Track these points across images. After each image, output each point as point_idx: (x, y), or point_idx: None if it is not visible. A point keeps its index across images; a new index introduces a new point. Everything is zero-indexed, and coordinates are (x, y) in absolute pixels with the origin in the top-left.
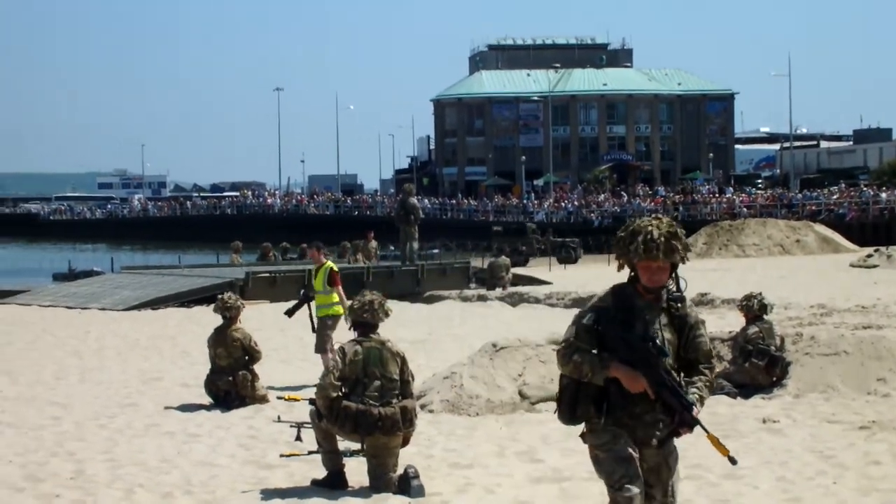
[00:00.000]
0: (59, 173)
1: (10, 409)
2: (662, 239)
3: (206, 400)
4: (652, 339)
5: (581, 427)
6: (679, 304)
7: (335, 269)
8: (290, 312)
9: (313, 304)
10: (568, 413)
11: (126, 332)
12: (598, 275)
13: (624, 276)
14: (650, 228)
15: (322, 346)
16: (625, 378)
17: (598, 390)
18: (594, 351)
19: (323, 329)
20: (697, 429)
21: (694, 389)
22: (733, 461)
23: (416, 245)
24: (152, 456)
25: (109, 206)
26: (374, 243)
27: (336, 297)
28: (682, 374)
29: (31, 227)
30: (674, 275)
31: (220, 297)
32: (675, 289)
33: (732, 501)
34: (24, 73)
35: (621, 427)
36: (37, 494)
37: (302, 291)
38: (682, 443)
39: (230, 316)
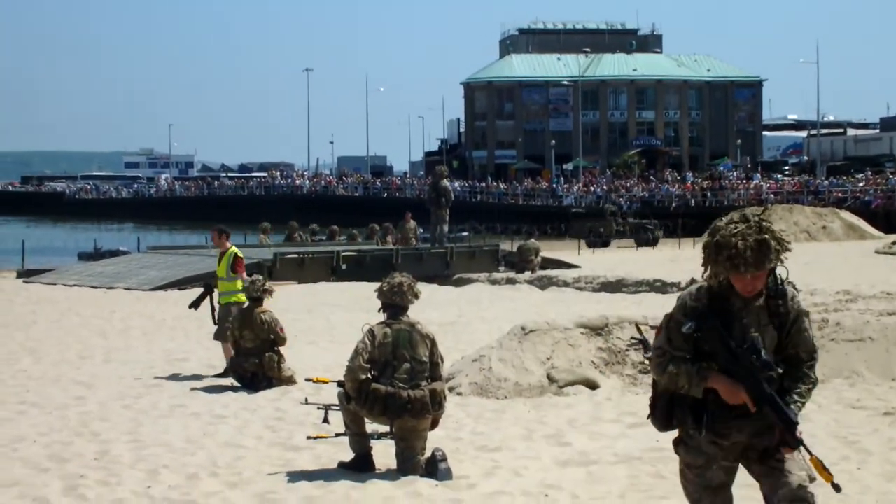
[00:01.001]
0: (85, 152)
1: (34, 388)
2: (749, 252)
3: (233, 381)
4: (757, 352)
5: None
6: (780, 301)
7: (239, 255)
8: (194, 305)
9: (216, 292)
10: (663, 421)
11: (152, 313)
12: (626, 259)
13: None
14: (735, 241)
15: (223, 334)
16: (724, 390)
17: (695, 399)
18: (688, 357)
19: (226, 316)
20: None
21: (796, 399)
22: (837, 489)
23: (445, 228)
24: (177, 437)
25: (136, 186)
26: (412, 223)
27: (240, 285)
28: (783, 374)
29: (57, 206)
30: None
31: (249, 279)
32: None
33: (757, 486)
34: (51, 54)
35: (721, 438)
36: (62, 475)
37: (205, 282)
38: None
39: (258, 297)
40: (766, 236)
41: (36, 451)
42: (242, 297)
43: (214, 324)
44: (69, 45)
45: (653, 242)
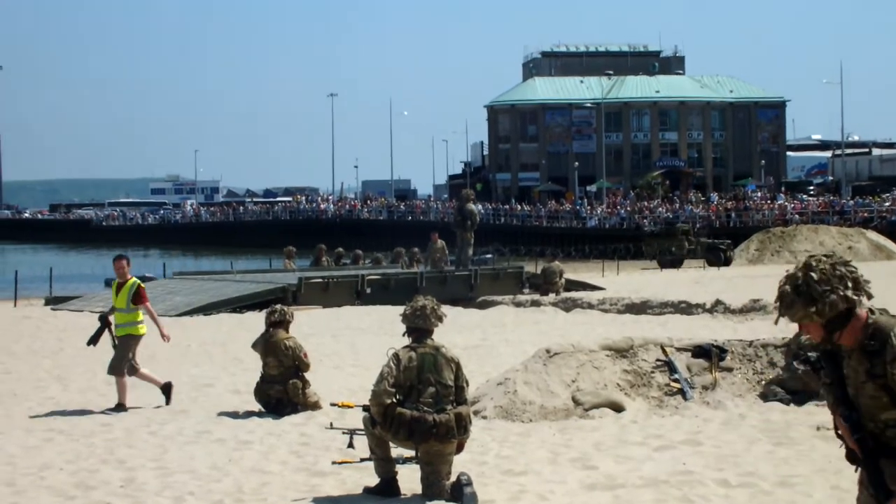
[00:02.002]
0: (112, 179)
1: (61, 416)
2: (779, 297)
3: (258, 407)
4: (846, 411)
5: None
6: (872, 342)
7: (142, 285)
8: (92, 341)
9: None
10: None
11: (177, 339)
12: (651, 280)
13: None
14: (782, 284)
15: (119, 368)
16: (842, 428)
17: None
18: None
19: (123, 349)
20: None
21: None
22: None
23: (470, 251)
24: (203, 463)
25: (162, 212)
26: (440, 243)
27: (140, 316)
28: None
29: (85, 233)
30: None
31: (270, 307)
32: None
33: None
34: (79, 81)
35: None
36: (88, 502)
37: (100, 315)
38: (735, 447)
39: (279, 321)
40: (809, 280)
41: (63, 479)
42: (142, 329)
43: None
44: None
45: (725, 262)
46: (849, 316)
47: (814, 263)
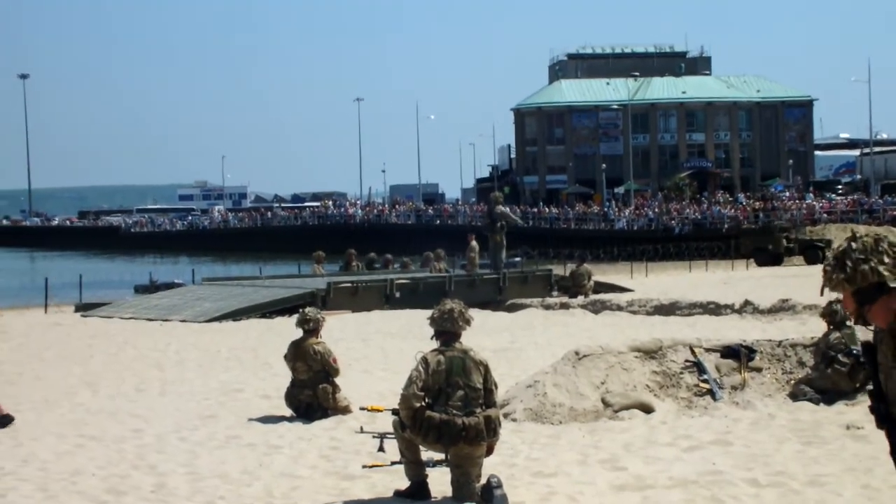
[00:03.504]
0: (140, 185)
1: (92, 421)
2: (824, 266)
3: (288, 411)
4: (877, 398)
5: None
6: None
7: None
8: None
9: None
10: None
11: (207, 344)
12: (680, 281)
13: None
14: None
15: None
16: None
17: None
18: None
19: None
20: None
21: None
22: None
23: (503, 254)
24: (233, 468)
25: (190, 218)
26: (474, 243)
27: None
28: None
29: (113, 240)
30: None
31: (301, 311)
32: None
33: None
34: (106, 89)
35: None
36: None
37: None
38: (764, 447)
39: (310, 329)
40: (846, 248)
41: (94, 484)
42: None
43: None
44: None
45: (823, 261)
46: (881, 291)
47: (859, 235)
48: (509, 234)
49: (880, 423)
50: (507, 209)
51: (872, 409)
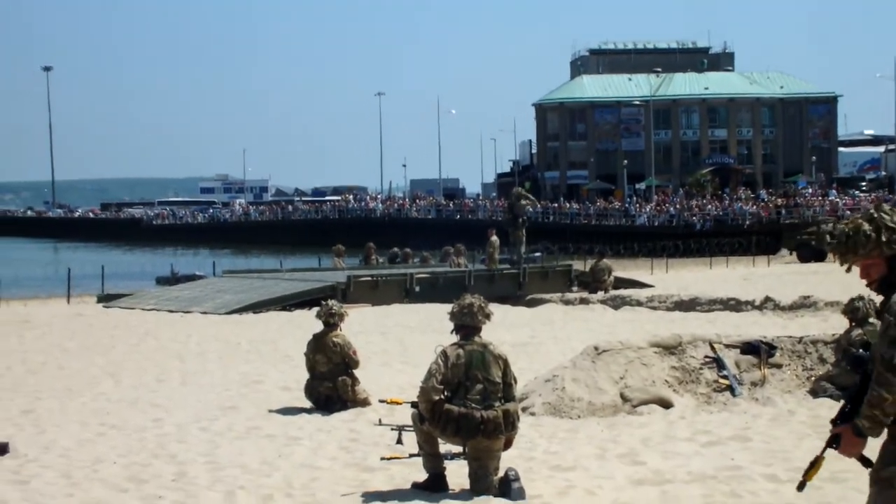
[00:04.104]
0: (162, 178)
1: (114, 411)
2: (852, 234)
3: (308, 403)
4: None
5: None
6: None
7: None
8: None
9: None
10: None
11: (227, 336)
12: (700, 277)
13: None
14: (853, 224)
15: None
16: None
17: None
18: None
19: None
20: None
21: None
22: (799, 487)
23: (522, 249)
24: (253, 458)
25: (211, 211)
26: (493, 238)
27: None
28: None
29: (135, 232)
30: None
31: (324, 303)
32: None
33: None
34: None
35: None
36: (140, 496)
37: None
38: (784, 443)
39: (333, 322)
40: (864, 220)
41: (115, 472)
42: None
43: None
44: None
45: None
46: None
47: (883, 205)
48: (530, 230)
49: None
50: (528, 199)
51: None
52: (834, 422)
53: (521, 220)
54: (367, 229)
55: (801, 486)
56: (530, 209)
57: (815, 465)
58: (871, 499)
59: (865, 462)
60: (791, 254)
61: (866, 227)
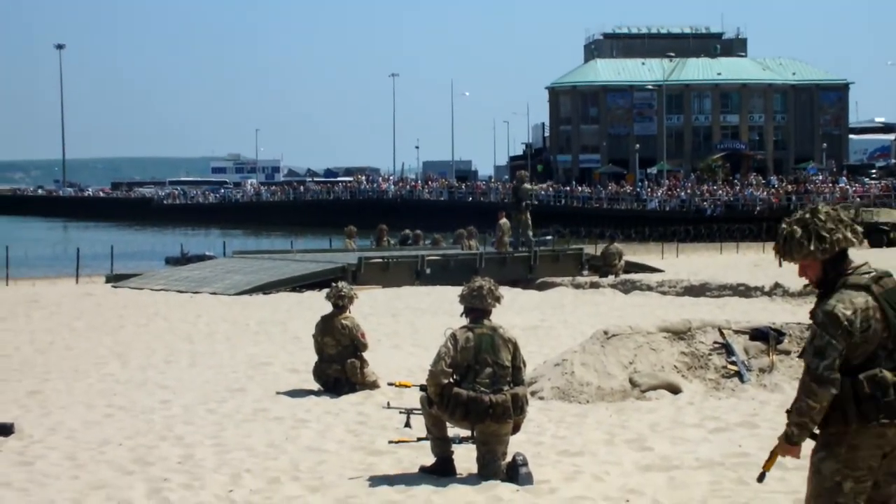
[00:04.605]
0: (173, 158)
1: (121, 392)
2: (787, 237)
3: (316, 386)
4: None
5: None
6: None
7: None
8: None
9: None
10: None
11: (236, 317)
12: (710, 263)
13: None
14: (789, 226)
15: None
16: None
17: None
18: None
19: None
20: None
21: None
22: (760, 478)
23: (529, 232)
24: (260, 441)
25: (222, 191)
26: (503, 221)
27: None
28: None
29: (145, 212)
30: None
31: (333, 285)
32: None
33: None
34: (141, 61)
35: None
36: (146, 478)
37: None
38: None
39: (342, 305)
40: (798, 226)
41: (122, 454)
42: None
43: None
44: (158, 55)
45: (888, 244)
46: (844, 258)
47: (820, 208)
48: (542, 213)
49: None
50: (533, 186)
51: None
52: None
53: (525, 204)
54: (379, 211)
55: (760, 477)
56: (537, 192)
57: (772, 456)
58: (807, 483)
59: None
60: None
61: (799, 233)
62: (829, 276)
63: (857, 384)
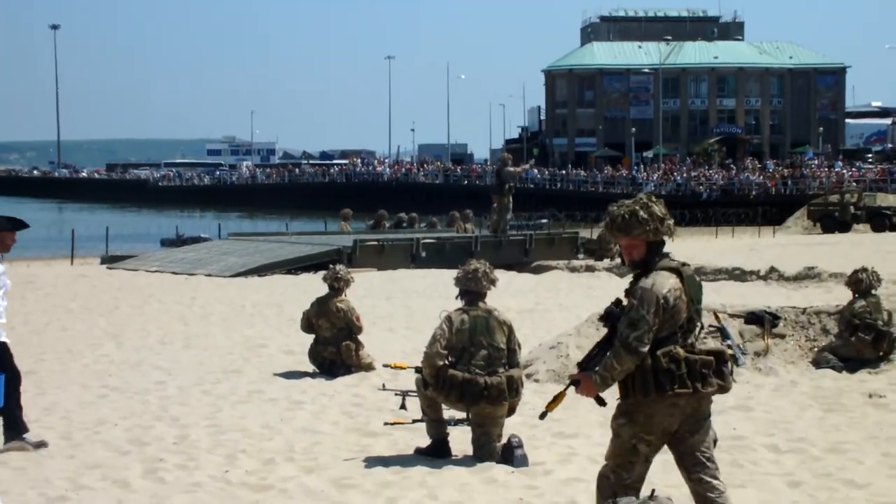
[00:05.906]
0: (168, 139)
1: (116, 373)
2: (627, 217)
3: (311, 367)
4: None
5: None
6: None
7: None
8: None
9: None
10: None
11: (232, 299)
12: (706, 247)
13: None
14: (625, 209)
15: None
16: None
17: None
18: None
19: None
20: None
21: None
22: (542, 416)
23: (508, 216)
24: (255, 422)
25: (218, 173)
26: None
27: None
28: None
29: (141, 193)
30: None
31: (331, 267)
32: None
33: (836, 475)
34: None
35: None
36: (141, 458)
37: None
38: (785, 414)
39: (338, 287)
40: (639, 206)
41: (117, 435)
42: None
43: None
44: (153, 36)
45: (891, 228)
46: (664, 244)
47: (653, 198)
48: (538, 196)
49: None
50: (516, 169)
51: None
52: (581, 365)
53: (508, 187)
54: (375, 193)
55: (542, 416)
56: (521, 174)
57: (557, 398)
58: (609, 444)
59: (600, 402)
60: (815, 225)
61: (642, 213)
62: (650, 258)
63: (656, 359)
